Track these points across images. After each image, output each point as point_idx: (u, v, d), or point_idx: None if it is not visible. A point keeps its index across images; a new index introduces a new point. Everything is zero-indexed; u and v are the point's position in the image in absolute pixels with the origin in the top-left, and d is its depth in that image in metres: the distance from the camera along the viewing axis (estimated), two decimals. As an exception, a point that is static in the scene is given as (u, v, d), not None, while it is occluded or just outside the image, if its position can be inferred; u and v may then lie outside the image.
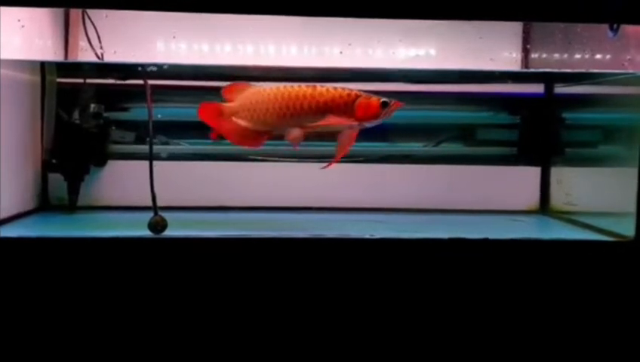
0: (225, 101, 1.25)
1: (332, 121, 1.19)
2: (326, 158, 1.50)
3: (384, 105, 1.19)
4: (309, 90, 1.19)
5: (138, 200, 1.30)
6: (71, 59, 1.47)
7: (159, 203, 1.23)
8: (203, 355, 1.13)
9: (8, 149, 1.26)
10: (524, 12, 1.16)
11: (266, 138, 1.24)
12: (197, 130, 1.52)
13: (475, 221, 1.47)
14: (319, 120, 1.19)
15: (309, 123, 1.20)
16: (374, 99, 1.20)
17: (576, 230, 1.39)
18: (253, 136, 1.23)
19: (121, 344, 1.11)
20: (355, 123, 1.20)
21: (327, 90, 1.19)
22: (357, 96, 1.20)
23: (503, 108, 1.59)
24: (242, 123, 1.22)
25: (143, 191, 1.24)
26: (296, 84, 1.20)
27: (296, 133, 1.20)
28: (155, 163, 1.26)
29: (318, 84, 1.20)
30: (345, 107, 1.19)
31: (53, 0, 1.21)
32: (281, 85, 1.21)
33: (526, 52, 1.55)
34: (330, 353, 1.15)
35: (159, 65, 1.33)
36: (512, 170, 1.58)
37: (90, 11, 1.40)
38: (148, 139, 1.29)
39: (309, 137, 1.23)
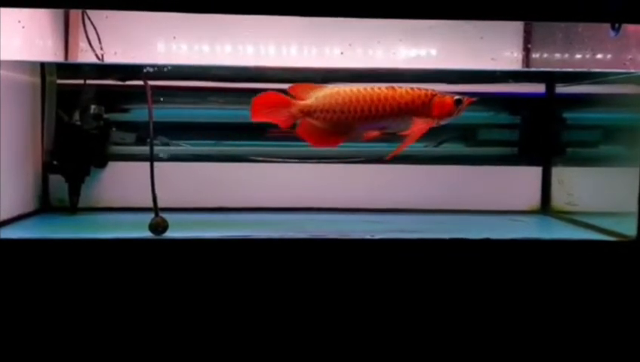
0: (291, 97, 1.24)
1: (417, 124, 1.22)
2: (327, 158, 1.51)
3: (458, 102, 1.24)
4: (390, 92, 1.22)
5: (139, 202, 1.30)
6: (71, 60, 1.47)
7: (160, 204, 1.23)
8: (204, 356, 1.13)
9: (9, 151, 1.25)
10: (526, 12, 1.15)
11: (344, 139, 1.26)
12: (197, 131, 1.53)
13: (476, 221, 1.46)
14: (399, 120, 1.23)
15: (389, 124, 1.23)
16: (448, 97, 1.24)
17: (578, 230, 1.39)
18: (331, 136, 1.25)
19: (122, 345, 1.11)
20: (432, 122, 1.24)
21: (407, 91, 1.23)
22: (433, 96, 1.23)
23: (504, 108, 1.59)
24: (318, 123, 1.23)
25: (144, 193, 1.24)
26: (375, 86, 1.23)
27: (375, 134, 1.24)
28: (155, 164, 1.26)
29: (395, 85, 1.23)
30: (422, 107, 1.23)
31: (53, 1, 1.20)
32: (361, 86, 1.23)
33: (527, 51, 1.55)
34: (332, 353, 1.15)
35: (159, 66, 1.33)
36: (513, 170, 1.58)
37: (90, 12, 1.40)
38: (148, 140, 1.29)
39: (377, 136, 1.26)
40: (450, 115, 1.24)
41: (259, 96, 1.22)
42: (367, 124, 1.23)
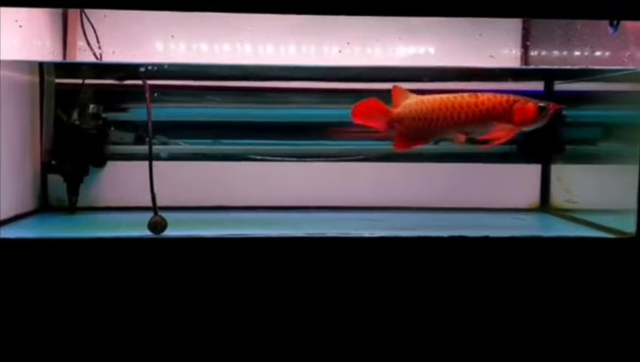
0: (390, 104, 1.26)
1: (498, 131, 1.23)
2: (326, 158, 1.51)
3: (542, 110, 1.22)
4: (472, 100, 1.23)
5: (138, 201, 1.29)
6: (69, 59, 1.47)
7: (159, 203, 1.23)
8: (203, 355, 1.13)
9: (7, 150, 1.25)
10: (524, 9, 1.15)
11: (422, 143, 1.29)
12: (196, 129, 1.53)
13: (475, 219, 1.46)
14: (481, 126, 1.23)
15: (471, 130, 1.24)
16: (531, 103, 1.23)
17: (577, 227, 1.38)
18: (417, 142, 1.28)
19: (121, 344, 1.11)
20: (515, 128, 1.23)
21: (488, 98, 1.23)
22: (514, 102, 1.23)
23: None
24: (406, 130, 1.25)
25: (143, 192, 1.24)
26: (457, 94, 1.24)
27: (460, 139, 1.25)
28: (154, 163, 1.26)
29: (478, 92, 1.24)
30: (504, 113, 1.23)
31: (51, 0, 1.20)
32: (444, 95, 1.24)
33: (526, 49, 1.55)
34: (332, 352, 1.14)
35: (158, 65, 1.33)
36: (512, 168, 1.58)
37: (88, 11, 1.40)
38: (147, 139, 1.29)
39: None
40: (533, 121, 1.23)
41: (360, 102, 1.24)
42: (449, 131, 1.24)
